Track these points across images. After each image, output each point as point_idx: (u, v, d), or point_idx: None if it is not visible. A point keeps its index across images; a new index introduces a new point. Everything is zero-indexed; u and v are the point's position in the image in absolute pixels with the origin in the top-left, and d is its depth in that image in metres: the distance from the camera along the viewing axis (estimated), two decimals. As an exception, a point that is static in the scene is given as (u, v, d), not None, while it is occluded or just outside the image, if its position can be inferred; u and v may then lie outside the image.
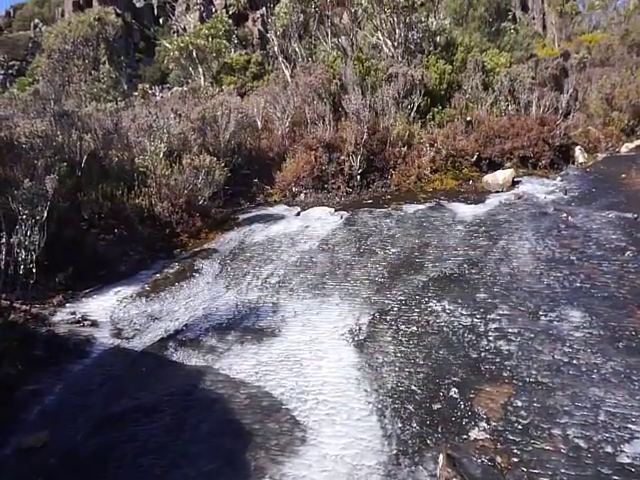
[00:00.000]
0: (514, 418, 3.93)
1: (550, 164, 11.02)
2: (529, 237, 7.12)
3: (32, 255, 5.73)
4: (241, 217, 9.50)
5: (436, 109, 12.54)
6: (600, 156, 11.55)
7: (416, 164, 10.68)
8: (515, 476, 3.47)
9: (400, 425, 4.02)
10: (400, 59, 13.76)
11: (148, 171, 9.09)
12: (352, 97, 11.38)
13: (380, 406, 4.24)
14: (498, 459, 3.61)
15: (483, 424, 3.92)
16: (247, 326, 5.70)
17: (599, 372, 4.29)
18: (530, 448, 3.66)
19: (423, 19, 14.92)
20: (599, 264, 6.15)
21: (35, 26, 40.49)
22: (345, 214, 8.86)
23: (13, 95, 12.01)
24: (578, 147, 11.62)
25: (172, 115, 10.93)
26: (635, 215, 7.38)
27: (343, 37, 17.02)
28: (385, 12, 14.10)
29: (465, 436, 3.84)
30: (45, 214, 5.91)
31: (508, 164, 10.84)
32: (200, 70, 20.62)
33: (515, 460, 3.58)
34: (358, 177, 10.50)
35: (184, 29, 29.58)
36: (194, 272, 7.27)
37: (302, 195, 10.49)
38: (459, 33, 17.55)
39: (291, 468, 3.72)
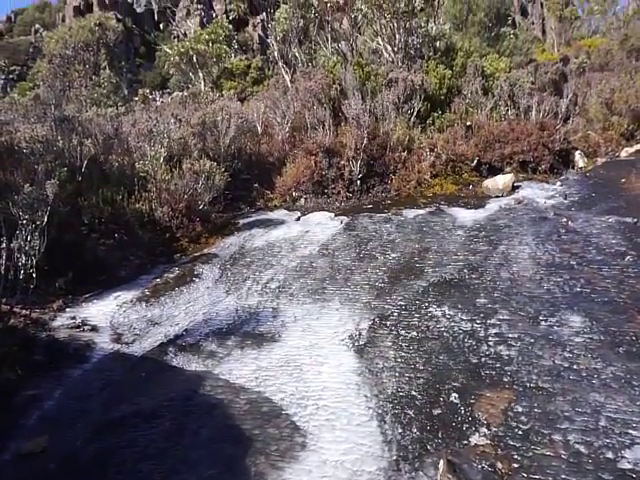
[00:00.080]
0: (515, 423, 3.92)
1: (550, 169, 11.03)
2: (529, 242, 7.12)
3: (32, 260, 5.72)
4: (241, 222, 9.50)
5: (436, 114, 12.56)
6: (600, 161, 11.56)
7: (416, 169, 10.69)
8: (516, 482, 3.46)
9: (400, 430, 4.01)
10: (400, 64, 13.79)
11: (148, 176, 9.10)
12: (352, 102, 11.41)
13: (380, 411, 4.23)
14: (499, 465, 3.60)
15: (483, 429, 3.91)
16: (247, 331, 5.70)
17: (599, 377, 4.28)
18: (531, 454, 3.65)
19: (423, 24, 14.96)
20: (599, 269, 6.14)
21: (36, 31, 40.60)
22: (345, 219, 8.86)
23: (14, 100, 12.06)
24: (578, 152, 11.64)
25: (172, 120, 10.95)
26: (635, 220, 7.38)
27: (343, 42, 17.07)
28: (385, 17, 14.14)
29: (465, 442, 3.83)
30: (45, 219, 5.91)
31: (508, 169, 10.84)
32: (200, 75, 20.68)
33: (516, 466, 3.57)
34: (358, 182, 10.51)
35: (184, 34, 29.67)
36: (194, 277, 7.27)
37: (302, 200, 10.50)
38: (459, 38, 17.60)
39: (291, 474, 3.71)
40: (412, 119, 11.98)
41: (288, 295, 6.42)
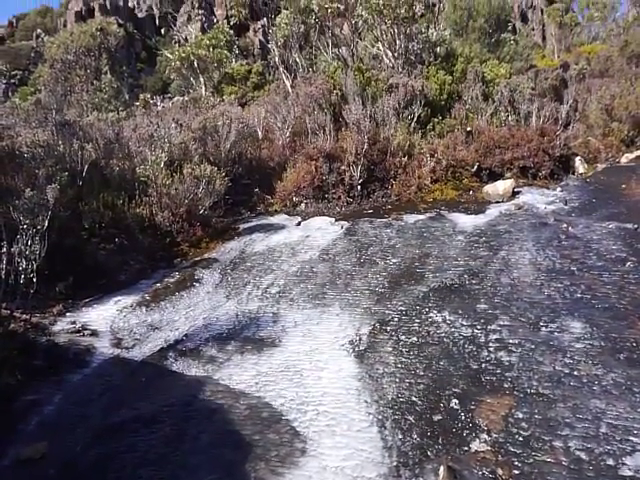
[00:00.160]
0: (515, 430, 3.92)
1: (550, 174, 11.02)
2: (529, 248, 7.12)
3: (33, 264, 5.72)
4: (242, 227, 9.50)
5: (436, 119, 12.58)
6: (600, 166, 11.56)
7: (416, 174, 10.69)
8: (516, 488, 3.45)
9: (401, 436, 4.00)
10: (400, 70, 13.83)
11: (149, 180, 9.11)
12: (353, 107, 11.43)
13: (380, 417, 4.22)
14: (499, 471, 3.59)
15: (484, 436, 3.90)
16: (247, 336, 5.69)
17: (600, 384, 4.28)
18: (531, 460, 3.64)
19: (423, 30, 15.03)
20: (600, 275, 6.14)
21: (37, 36, 40.69)
22: (346, 224, 8.86)
23: (15, 105, 12.08)
24: (578, 157, 11.64)
25: (173, 125, 10.97)
26: (635, 226, 7.38)
27: (344, 48, 17.11)
28: (385, 23, 14.20)
29: (466, 448, 3.82)
30: (46, 223, 5.92)
31: (508, 174, 10.84)
32: (201, 80, 20.72)
33: (516, 472, 3.57)
34: (359, 187, 10.51)
35: (185, 39, 29.76)
36: (194, 281, 7.27)
37: (303, 205, 10.50)
38: (459, 44, 17.66)
39: (291, 479, 3.71)
40: (412, 124, 12.00)
41: (288, 300, 6.42)
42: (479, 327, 5.31)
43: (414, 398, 4.41)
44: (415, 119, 12.05)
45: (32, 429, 4.48)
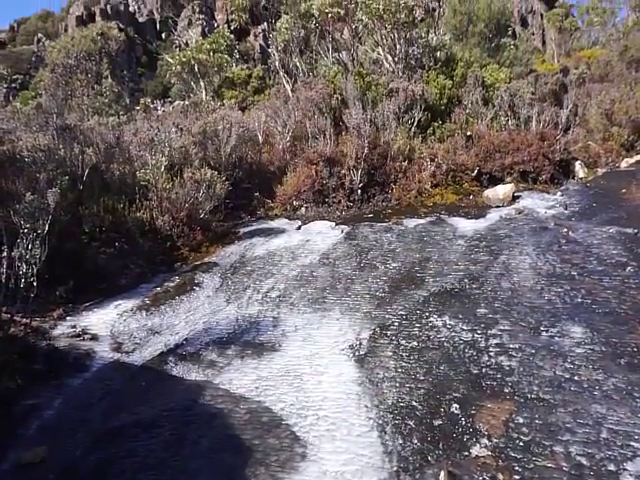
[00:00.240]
0: (516, 435, 3.91)
1: (550, 179, 11.04)
2: (530, 252, 7.12)
3: (33, 268, 5.72)
4: (242, 231, 9.50)
5: (436, 124, 12.60)
6: (600, 171, 11.58)
7: (417, 178, 10.71)
8: (517, 494, 3.45)
9: (401, 441, 3.99)
10: (401, 74, 13.84)
11: (149, 185, 9.12)
12: (353, 112, 11.45)
13: (381, 422, 4.22)
14: (500, 476, 3.58)
15: (484, 441, 3.90)
16: (247, 340, 5.69)
17: (601, 389, 4.27)
18: (532, 465, 3.63)
19: (423, 35, 15.05)
20: (600, 279, 6.14)
21: (39, 40, 40.78)
22: (346, 228, 8.86)
23: (16, 109, 12.08)
24: (578, 162, 11.66)
25: (173, 129, 10.98)
26: (635, 230, 7.38)
27: (344, 52, 17.14)
28: (386, 28, 14.22)
29: (466, 453, 3.81)
30: (46, 227, 5.92)
31: (508, 179, 10.86)
32: (202, 84, 20.74)
33: (517, 477, 3.56)
34: (359, 191, 10.52)
35: (186, 44, 29.80)
36: (195, 286, 7.27)
37: (303, 209, 10.51)
38: (459, 49, 17.67)
39: (291, 485, 3.70)
40: (413, 129, 12.02)
41: (289, 304, 6.42)
42: (479, 332, 5.30)
43: (414, 403, 4.40)
44: (415, 123, 12.08)
45: (32, 433, 4.47)
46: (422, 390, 4.55)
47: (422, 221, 8.99)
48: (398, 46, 14.32)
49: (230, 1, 29.51)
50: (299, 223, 9.65)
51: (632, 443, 3.69)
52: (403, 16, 13.80)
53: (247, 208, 10.61)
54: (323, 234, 8.80)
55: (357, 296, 6.42)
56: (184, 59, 20.62)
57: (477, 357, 4.90)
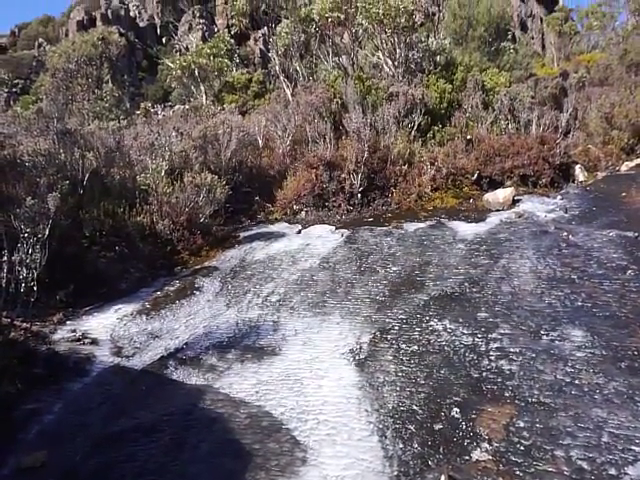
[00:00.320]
0: (516, 439, 3.90)
1: (550, 183, 11.04)
2: (530, 256, 7.11)
3: (33, 273, 5.73)
4: (242, 235, 9.51)
5: (436, 128, 12.61)
6: (600, 175, 11.57)
7: (417, 182, 10.71)
8: (518, 498, 3.44)
9: (401, 445, 3.99)
10: (401, 78, 13.88)
11: (149, 189, 9.13)
12: (353, 116, 11.47)
13: (381, 426, 4.21)
14: (500, 481, 3.57)
15: (485, 445, 3.89)
16: (247, 344, 5.68)
17: (602, 392, 4.26)
18: (532, 470, 3.63)
19: (423, 39, 15.10)
20: (600, 283, 6.14)
21: (39, 45, 40.91)
22: (346, 232, 8.87)
23: (17, 113, 12.11)
24: (578, 166, 11.66)
25: (174, 133, 11.00)
26: (636, 234, 7.38)
27: (344, 56, 17.17)
28: (386, 32, 14.26)
29: (467, 457, 3.81)
30: (47, 232, 5.93)
31: (508, 182, 10.86)
32: (202, 89, 20.78)
33: (517, 482, 3.55)
34: (359, 195, 10.53)
35: (186, 48, 29.85)
36: (195, 290, 7.27)
37: (303, 213, 10.51)
38: (459, 53, 17.73)
39: (291, 489, 3.69)
40: (413, 133, 12.03)
41: (289, 308, 6.41)
42: (480, 335, 5.30)
43: (415, 407, 4.40)
44: (415, 127, 12.08)
45: (32, 438, 4.47)
46: (422, 394, 4.54)
47: (422, 225, 8.99)
48: (398, 50, 14.36)
49: (230, 6, 29.56)
50: (299, 227, 9.65)
51: (633, 447, 3.68)
52: (403, 20, 13.83)
53: (247, 212, 10.61)
54: (323, 238, 8.80)
55: (357, 300, 6.42)
56: (184, 63, 20.67)
57: (477, 361, 4.89)
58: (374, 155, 10.91)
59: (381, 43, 14.72)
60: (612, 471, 3.53)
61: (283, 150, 12.05)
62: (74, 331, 6.16)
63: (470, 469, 3.70)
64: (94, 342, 6.02)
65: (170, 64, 23.38)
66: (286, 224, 10.02)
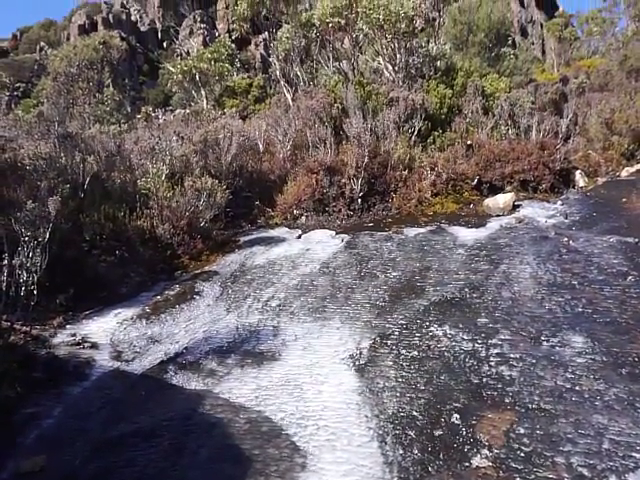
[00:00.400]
0: (517, 445, 3.89)
1: (551, 188, 11.05)
2: (530, 261, 7.11)
3: (33, 276, 5.72)
4: (242, 239, 9.51)
5: (437, 133, 12.63)
6: (600, 180, 11.58)
7: (417, 187, 10.72)
8: (518, 505, 3.43)
9: (401, 452, 3.98)
10: (401, 83, 13.90)
11: (150, 193, 9.13)
12: (353, 121, 11.48)
13: (381, 432, 4.20)
14: (501, 487, 3.56)
15: (485, 451, 3.88)
16: (247, 349, 5.68)
17: (602, 399, 4.25)
18: (533, 477, 3.61)
19: (424, 44, 15.12)
20: (601, 289, 6.13)
21: (41, 49, 41.03)
22: (346, 237, 8.87)
23: (18, 117, 12.12)
24: (578, 171, 11.67)
25: (174, 137, 11.01)
26: (636, 240, 7.38)
27: (344, 61, 17.20)
28: (386, 37, 14.29)
29: (467, 463, 3.80)
30: (47, 235, 5.92)
31: (509, 188, 10.87)
32: (203, 93, 20.83)
33: (518, 488, 3.54)
34: (359, 200, 10.54)
35: (187, 53, 29.95)
36: (195, 294, 7.27)
37: (303, 218, 10.52)
38: (459, 58, 17.74)
39: (291, 495, 3.68)
40: (413, 138, 12.05)
41: (289, 313, 6.41)
42: (480, 341, 5.29)
43: (415, 413, 4.39)
44: (415, 132, 12.10)
45: (31, 442, 4.45)
46: (422, 400, 4.53)
47: (422, 230, 8.99)
48: (398, 55, 14.39)
49: (231, 11, 29.66)
50: (299, 232, 9.65)
51: (634, 454, 3.67)
52: (403, 26, 13.87)
53: (247, 217, 10.61)
54: (323, 243, 8.80)
55: (357, 305, 6.41)
56: (185, 68, 20.73)
57: (478, 367, 4.89)
58: (374, 160, 10.92)
59: (381, 48, 14.75)
60: (613, 478, 3.52)
61: (283, 155, 12.06)
62: (74, 335, 6.15)
63: (470, 475, 3.69)
64: (94, 346, 6.01)
65: (171, 68, 23.45)
66: (286, 229, 10.02)
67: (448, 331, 5.56)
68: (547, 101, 15.00)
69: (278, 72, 18.73)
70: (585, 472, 3.59)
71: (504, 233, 8.47)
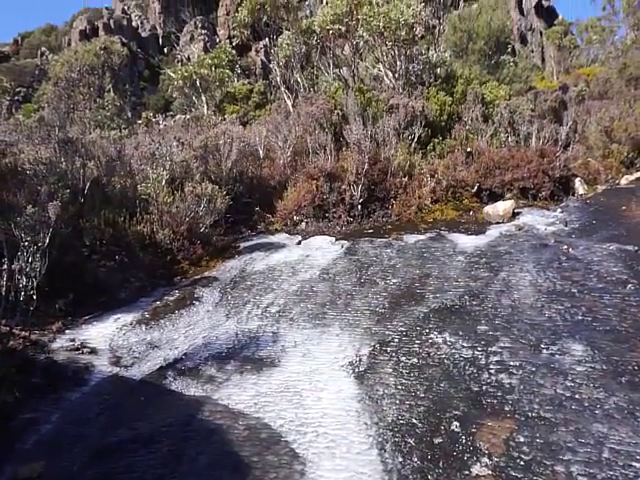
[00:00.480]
0: (516, 454, 3.88)
1: (550, 195, 11.07)
2: (530, 269, 7.11)
3: (33, 281, 5.72)
4: (242, 245, 9.51)
5: (437, 140, 12.67)
6: (600, 188, 11.61)
7: (417, 194, 10.74)
8: (518, 514, 3.41)
9: (401, 459, 3.96)
10: (401, 90, 13.93)
11: (150, 198, 9.13)
12: (353, 127, 11.51)
13: (380, 439, 4.19)
14: (500, 496, 3.55)
15: (485, 459, 3.86)
16: (247, 356, 5.67)
17: (602, 407, 4.25)
18: (533, 485, 3.60)
19: (424, 52, 15.18)
20: (600, 297, 6.13)
21: (42, 54, 41.14)
22: (346, 243, 8.87)
23: (18, 121, 12.15)
24: (578, 179, 11.69)
25: (175, 143, 11.03)
26: (636, 248, 7.39)
27: (345, 68, 17.26)
28: (386, 44, 14.35)
29: (467, 472, 3.78)
30: (47, 240, 5.92)
31: (508, 195, 10.89)
32: (203, 99, 20.88)
33: (518, 497, 3.53)
34: (359, 206, 10.54)
35: (188, 59, 30.04)
36: (194, 300, 7.26)
37: (303, 224, 10.52)
38: (459, 65, 17.82)
39: (290, 503, 3.67)
40: (413, 145, 12.08)
41: (288, 320, 6.40)
42: (480, 349, 5.29)
43: (414, 420, 4.38)
44: (415, 139, 12.14)
45: (29, 448, 4.43)
46: (422, 407, 4.52)
47: (422, 237, 9.00)
48: (398, 63, 14.44)
49: (232, 17, 29.76)
50: (299, 238, 9.65)
51: (634, 463, 3.66)
52: (403, 33, 13.92)
53: (247, 222, 10.62)
54: (323, 249, 8.80)
55: (357, 312, 6.41)
56: (186, 74, 20.78)
57: (477, 374, 4.88)
58: (374, 167, 10.94)
59: (382, 55, 14.80)
60: (613, 487, 3.51)
61: (284, 161, 12.08)
62: (73, 340, 6.14)
63: (470, 484, 3.68)
64: (93, 351, 6.00)
65: (172, 74, 23.52)
66: (286, 235, 10.03)
67: (448, 338, 5.55)
68: (547, 109, 15.05)
69: (279, 78, 18.78)
70: (585, 481, 3.58)
71: (504, 240, 8.47)
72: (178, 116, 22.90)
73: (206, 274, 8.27)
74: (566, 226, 9.09)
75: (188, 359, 5.65)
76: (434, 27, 18.23)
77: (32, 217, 5.89)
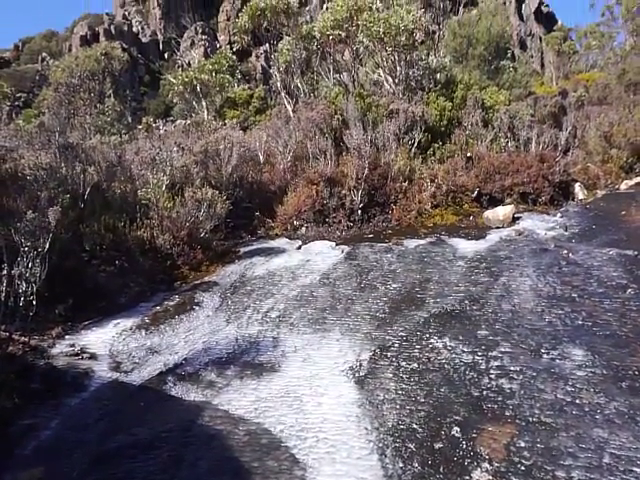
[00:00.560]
0: (517, 459, 3.87)
1: (550, 200, 11.08)
2: (530, 274, 7.11)
3: (33, 287, 5.71)
4: (242, 250, 9.51)
5: (437, 145, 12.68)
6: (599, 193, 11.62)
7: (417, 199, 10.74)
8: (519, 519, 3.40)
9: (401, 465, 3.95)
10: (401, 95, 13.97)
11: (150, 203, 9.15)
12: (353, 132, 11.54)
13: (381, 445, 4.18)
14: (501, 501, 3.54)
15: (485, 465, 3.85)
16: (247, 361, 5.66)
17: (603, 412, 4.24)
18: (534, 490, 3.59)
19: (423, 57, 15.22)
20: (600, 302, 6.13)
21: (43, 59, 41.25)
22: (346, 248, 8.87)
23: (19, 127, 12.16)
24: (578, 184, 11.71)
25: (175, 148, 11.04)
26: (636, 252, 7.39)
27: (345, 73, 17.30)
28: (386, 50, 14.39)
29: (467, 477, 3.77)
30: (47, 246, 5.92)
31: (508, 200, 10.89)
32: (203, 104, 20.90)
33: (518, 503, 3.52)
34: (359, 211, 10.55)
35: (188, 64, 30.11)
36: (194, 305, 7.25)
37: (303, 229, 10.53)
38: (459, 71, 17.85)
39: (290, 508, 3.66)
40: (413, 150, 12.10)
41: (288, 325, 6.39)
42: (480, 354, 5.28)
43: (415, 425, 4.37)
44: (415, 144, 12.16)
45: (29, 453, 4.42)
46: (422, 412, 4.51)
47: (422, 242, 9.00)
48: (398, 68, 14.48)
49: (232, 23, 29.85)
50: (299, 243, 9.66)
51: (634, 468, 3.65)
52: (403, 39, 13.96)
53: (248, 227, 10.63)
54: (323, 254, 8.80)
55: (357, 317, 6.40)
56: (186, 79, 20.81)
57: (478, 379, 4.87)
58: (374, 172, 10.96)
59: (382, 61, 14.85)
60: (614, 492, 3.50)
61: (284, 166, 12.10)
62: (73, 345, 6.13)
63: (470, 489, 3.67)
64: (93, 357, 5.99)
65: (172, 79, 23.55)
66: (286, 240, 10.03)
67: (448, 343, 5.55)
68: (546, 114, 15.09)
69: (279, 83, 18.82)
70: (586, 486, 3.57)
71: (504, 245, 8.48)
72: (178, 121, 22.95)
73: (206, 279, 8.26)
74: (566, 231, 9.09)
75: (188, 364, 5.64)
76: (434, 33, 18.30)
77: (32, 222, 5.89)
